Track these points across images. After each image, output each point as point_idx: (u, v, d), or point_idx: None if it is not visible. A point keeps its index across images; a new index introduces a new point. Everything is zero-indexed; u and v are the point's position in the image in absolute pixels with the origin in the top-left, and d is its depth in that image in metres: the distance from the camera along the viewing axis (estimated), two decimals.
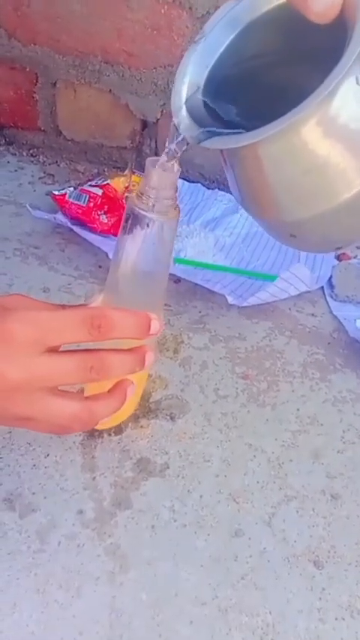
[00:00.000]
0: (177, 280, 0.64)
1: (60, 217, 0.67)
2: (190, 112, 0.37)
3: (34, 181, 0.79)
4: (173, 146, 0.35)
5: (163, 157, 0.35)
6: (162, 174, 0.35)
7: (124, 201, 0.68)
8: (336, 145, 0.33)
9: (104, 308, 0.38)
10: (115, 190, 0.68)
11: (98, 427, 0.38)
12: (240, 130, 0.34)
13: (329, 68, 0.31)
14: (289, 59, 0.38)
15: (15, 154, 0.84)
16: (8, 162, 0.82)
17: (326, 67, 0.32)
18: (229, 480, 0.47)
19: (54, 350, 0.34)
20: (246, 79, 0.38)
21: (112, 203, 0.67)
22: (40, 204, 0.71)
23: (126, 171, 0.71)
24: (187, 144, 0.35)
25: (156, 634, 0.38)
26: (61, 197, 0.68)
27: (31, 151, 0.84)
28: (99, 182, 0.69)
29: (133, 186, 0.72)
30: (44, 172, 0.81)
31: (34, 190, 0.77)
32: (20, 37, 0.75)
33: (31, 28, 0.74)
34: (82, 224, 0.67)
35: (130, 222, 0.36)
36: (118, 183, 0.69)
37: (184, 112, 0.36)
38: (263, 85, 0.38)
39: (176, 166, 0.36)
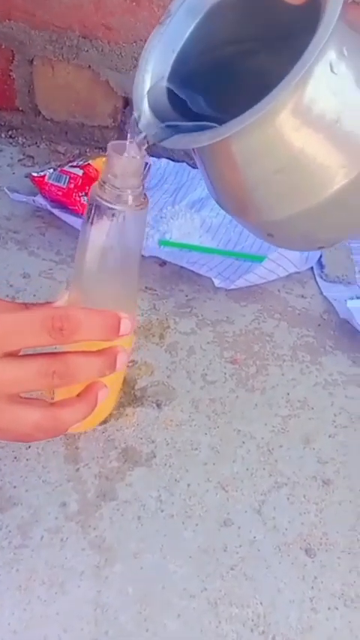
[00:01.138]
0: (162, 263, 0.62)
1: (39, 200, 0.65)
2: (153, 104, 0.34)
3: (13, 163, 0.76)
4: (135, 141, 0.33)
5: (128, 142, 0.32)
6: (126, 161, 0.32)
7: None
8: (312, 138, 0.30)
9: (68, 308, 0.34)
10: (97, 171, 0.66)
11: (69, 431, 0.36)
12: (205, 123, 0.31)
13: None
14: (263, 45, 0.35)
15: None
16: None
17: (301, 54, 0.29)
18: (218, 468, 0.45)
19: (13, 354, 0.32)
20: (216, 67, 0.35)
21: (93, 184, 0.65)
22: (19, 187, 0.69)
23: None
24: (148, 142, 0.33)
25: (143, 629, 0.36)
26: (41, 179, 0.65)
27: (9, 132, 0.81)
28: (79, 163, 0.67)
29: None
30: (24, 154, 0.78)
31: (13, 173, 0.74)
32: None
33: (6, 2, 0.71)
34: (63, 206, 0.65)
35: (93, 213, 0.33)
36: (100, 163, 0.67)
37: (145, 104, 0.34)
38: (235, 73, 0.35)
39: (141, 147, 0.33)
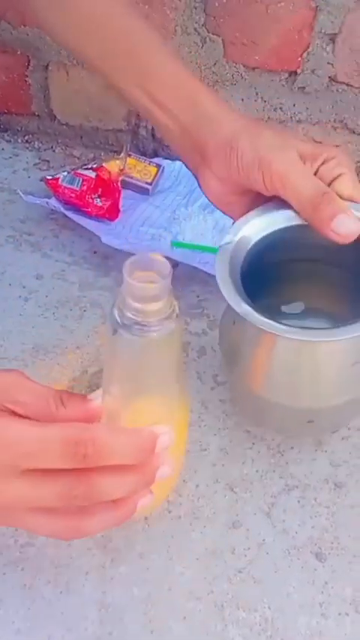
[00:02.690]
0: (175, 265, 0.62)
1: (53, 202, 0.65)
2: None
3: (29, 168, 0.77)
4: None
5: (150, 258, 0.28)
6: (148, 288, 0.28)
7: (118, 184, 0.66)
8: None
9: (94, 430, 0.29)
10: (109, 172, 0.66)
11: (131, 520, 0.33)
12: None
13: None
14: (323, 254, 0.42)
15: (10, 141, 0.82)
16: (3, 149, 0.80)
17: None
18: (227, 469, 0.45)
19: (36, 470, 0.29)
20: (267, 268, 0.40)
21: (105, 186, 0.65)
22: (34, 191, 0.69)
23: (122, 154, 0.69)
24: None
25: (148, 630, 0.36)
26: (54, 181, 0.66)
27: (25, 137, 0.82)
28: (92, 165, 0.67)
29: (130, 169, 0.70)
30: (39, 158, 0.79)
31: (29, 177, 0.75)
32: (10, 19, 0.72)
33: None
34: (76, 208, 0.65)
35: (116, 336, 0.29)
36: (113, 165, 0.67)
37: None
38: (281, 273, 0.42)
39: (167, 264, 0.28)
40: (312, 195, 0.38)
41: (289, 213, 0.40)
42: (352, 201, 0.38)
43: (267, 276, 0.38)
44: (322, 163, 0.39)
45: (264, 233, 0.41)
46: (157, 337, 0.29)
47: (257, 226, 0.40)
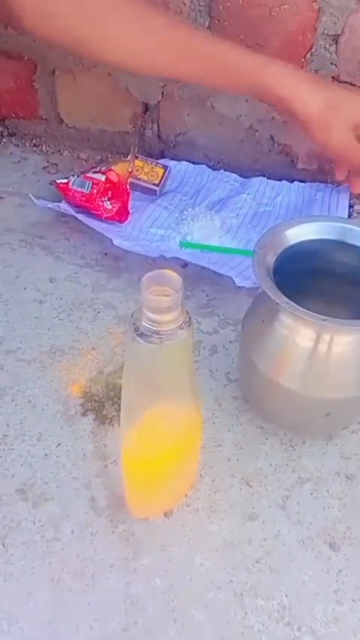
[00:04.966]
0: (184, 265, 0.64)
1: (64, 206, 0.67)
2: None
3: (38, 171, 0.78)
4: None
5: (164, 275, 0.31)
6: (163, 300, 0.30)
7: (127, 186, 0.67)
8: None
9: None
10: (118, 175, 0.67)
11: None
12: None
13: None
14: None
15: (18, 145, 0.83)
16: (11, 153, 0.82)
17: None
18: (242, 464, 0.46)
19: None
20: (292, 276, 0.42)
21: (115, 189, 0.66)
22: (44, 194, 0.71)
23: (129, 157, 0.70)
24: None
25: (171, 619, 0.38)
26: (65, 185, 0.67)
27: (33, 141, 0.83)
28: (102, 168, 0.68)
29: (137, 171, 0.71)
30: (47, 162, 0.80)
31: (38, 180, 0.76)
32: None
33: None
34: (87, 211, 0.66)
35: (135, 344, 0.32)
36: (122, 168, 0.68)
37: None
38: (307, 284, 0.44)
39: (180, 279, 0.30)
40: None
41: (318, 225, 0.45)
42: None
43: (290, 283, 0.41)
44: None
45: (294, 242, 0.44)
46: (171, 344, 0.31)
47: (289, 236, 0.44)
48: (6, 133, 0.84)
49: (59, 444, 0.47)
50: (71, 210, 0.66)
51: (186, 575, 0.40)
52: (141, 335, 0.31)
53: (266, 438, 0.48)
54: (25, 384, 0.51)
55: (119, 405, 0.36)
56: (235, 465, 0.46)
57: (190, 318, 0.32)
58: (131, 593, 0.39)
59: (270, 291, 0.40)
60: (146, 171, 0.72)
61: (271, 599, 0.39)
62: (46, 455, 0.46)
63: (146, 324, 0.31)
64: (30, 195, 0.67)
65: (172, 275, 0.31)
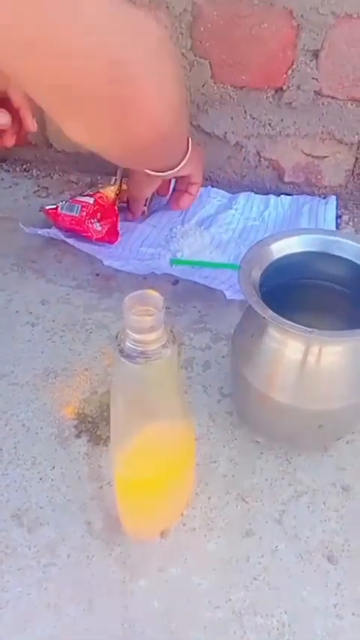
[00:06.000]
0: (175, 282, 0.64)
1: (54, 231, 0.67)
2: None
3: (29, 195, 0.79)
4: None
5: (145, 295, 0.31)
6: (146, 320, 0.30)
7: (116, 208, 0.68)
8: None
9: None
10: (106, 197, 0.68)
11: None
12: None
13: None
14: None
15: (9, 170, 0.84)
16: (2, 178, 0.83)
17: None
18: (238, 480, 0.46)
19: None
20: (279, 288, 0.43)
21: (104, 210, 0.67)
22: (35, 219, 0.72)
23: (113, 180, 0.71)
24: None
25: None
26: (54, 211, 0.68)
27: (24, 166, 0.84)
28: (90, 192, 0.69)
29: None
30: (38, 186, 0.81)
31: (29, 205, 0.77)
32: None
33: None
34: (77, 234, 0.67)
35: (121, 365, 0.32)
36: (109, 191, 0.69)
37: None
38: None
39: (161, 298, 0.31)
40: None
41: (304, 238, 0.45)
42: None
43: (278, 297, 0.41)
44: None
45: (279, 255, 0.45)
46: (157, 364, 0.31)
47: (274, 249, 0.45)
48: None
49: (54, 467, 0.47)
50: (61, 236, 0.67)
51: (184, 596, 0.39)
52: (126, 356, 0.31)
53: (261, 453, 0.48)
54: (19, 407, 0.51)
55: None
56: (230, 481, 0.46)
57: (174, 336, 0.33)
58: (129, 616, 0.38)
59: (256, 305, 0.40)
60: None
61: (270, 616, 0.38)
62: (40, 478, 0.46)
63: (130, 345, 0.31)
64: (20, 224, 0.68)
65: (154, 294, 0.31)
